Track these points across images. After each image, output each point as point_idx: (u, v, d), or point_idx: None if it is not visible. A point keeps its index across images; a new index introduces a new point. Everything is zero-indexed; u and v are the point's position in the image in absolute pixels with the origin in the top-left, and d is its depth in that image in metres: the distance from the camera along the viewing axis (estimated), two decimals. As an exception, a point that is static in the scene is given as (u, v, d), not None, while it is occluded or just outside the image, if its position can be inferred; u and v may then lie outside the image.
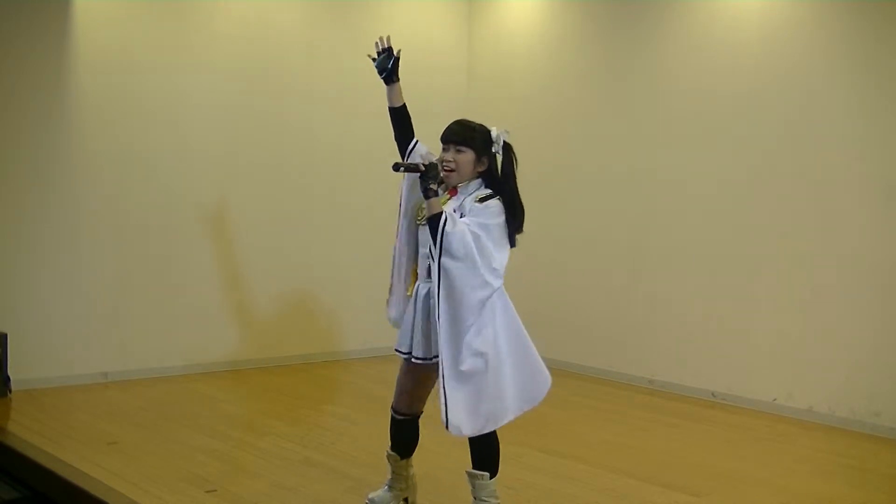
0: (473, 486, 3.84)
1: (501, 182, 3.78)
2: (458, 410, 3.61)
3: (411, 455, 4.11)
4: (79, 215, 6.42)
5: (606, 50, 7.11)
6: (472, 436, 3.74)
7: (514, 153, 3.83)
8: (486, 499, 3.83)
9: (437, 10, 7.96)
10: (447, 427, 3.63)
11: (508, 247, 3.74)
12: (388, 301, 4.07)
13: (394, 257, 4.03)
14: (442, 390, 3.62)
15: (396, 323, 4.01)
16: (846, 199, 5.76)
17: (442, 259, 3.59)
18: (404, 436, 4.04)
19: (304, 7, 7.34)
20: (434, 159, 3.78)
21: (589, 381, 6.92)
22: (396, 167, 3.73)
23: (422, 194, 3.65)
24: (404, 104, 4.01)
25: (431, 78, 7.82)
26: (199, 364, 6.88)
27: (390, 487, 4.10)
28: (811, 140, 5.90)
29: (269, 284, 7.20)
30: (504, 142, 3.79)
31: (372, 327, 7.51)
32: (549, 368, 3.90)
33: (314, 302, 7.43)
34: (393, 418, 4.06)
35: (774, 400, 6.07)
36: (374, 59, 3.96)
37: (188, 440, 5.14)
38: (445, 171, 3.75)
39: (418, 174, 3.67)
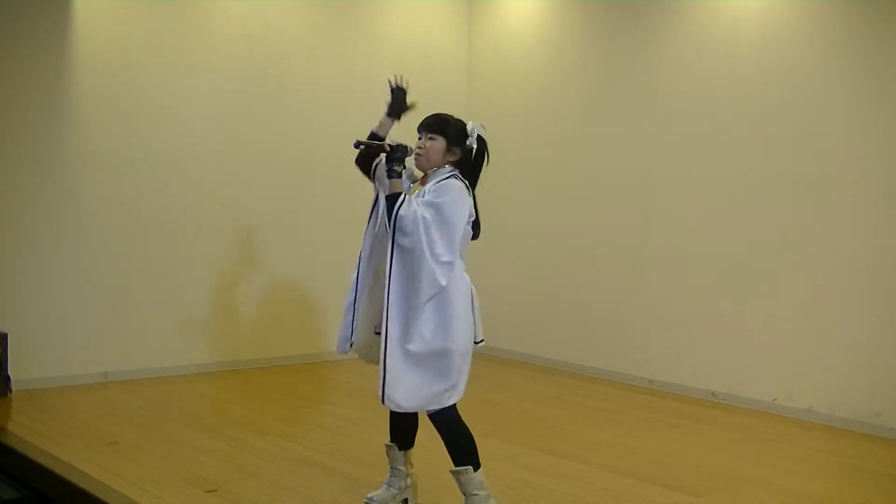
0: (460, 483, 3.86)
1: (473, 175, 3.88)
2: (398, 386, 3.69)
3: (410, 447, 4.12)
4: (79, 215, 6.42)
5: (606, 50, 7.11)
6: (411, 411, 3.83)
7: (487, 149, 3.90)
8: (475, 492, 3.83)
9: (437, 10, 7.96)
10: (383, 401, 3.73)
11: (459, 227, 3.72)
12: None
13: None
14: (382, 364, 3.70)
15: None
16: (846, 199, 5.75)
17: (395, 238, 3.68)
18: (400, 423, 4.05)
19: (304, 7, 7.34)
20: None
21: (589, 381, 6.91)
22: (358, 144, 3.78)
23: (385, 173, 3.74)
24: None
25: (431, 78, 7.82)
26: (199, 364, 6.88)
27: (389, 485, 4.11)
28: (811, 140, 5.90)
29: (269, 284, 7.20)
30: (478, 135, 3.86)
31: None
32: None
33: (314, 302, 7.43)
34: None
35: (774, 400, 6.07)
36: (393, 91, 3.99)
37: (188, 440, 5.14)
38: (416, 157, 3.85)
39: (384, 153, 3.75)
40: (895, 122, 5.55)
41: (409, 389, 3.72)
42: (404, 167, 3.79)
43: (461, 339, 3.76)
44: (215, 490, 4.31)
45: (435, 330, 3.70)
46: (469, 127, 3.87)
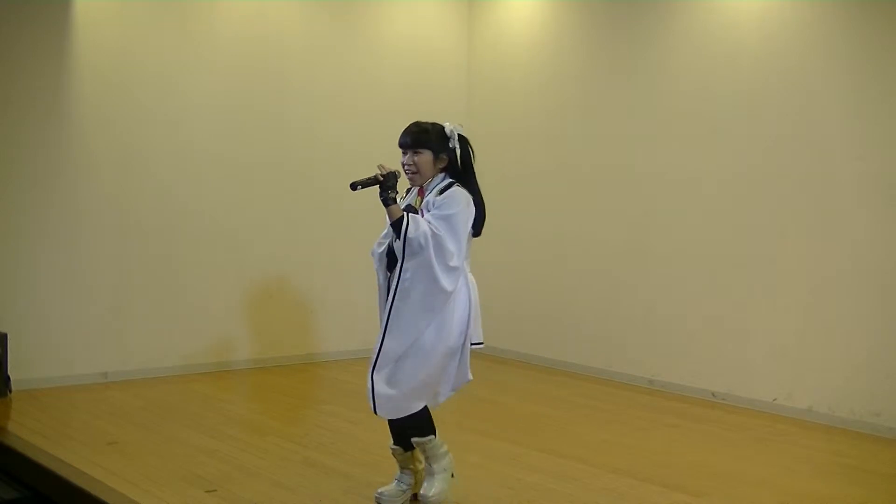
0: (425, 451, 4.04)
1: (464, 175, 3.99)
2: (388, 399, 3.91)
3: (415, 448, 4.15)
4: (79, 215, 6.43)
5: (606, 49, 7.11)
6: (397, 418, 4.00)
7: (470, 145, 4.02)
8: (442, 454, 4.03)
9: (437, 10, 7.96)
10: (375, 412, 3.94)
11: (468, 235, 3.92)
12: None
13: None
14: (370, 378, 3.90)
15: None
16: (846, 199, 5.75)
17: (405, 262, 3.84)
18: (400, 427, 4.10)
19: (304, 6, 7.34)
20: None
21: (589, 381, 6.91)
22: (354, 187, 3.88)
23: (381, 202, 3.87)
24: None
25: (431, 78, 7.82)
26: (199, 364, 6.88)
27: (399, 482, 4.16)
28: (811, 140, 5.90)
29: (269, 284, 7.20)
30: (458, 135, 3.97)
31: (372, 327, 7.50)
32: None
33: (314, 302, 7.43)
34: None
35: (774, 400, 6.07)
36: (382, 179, 3.87)
37: (188, 440, 5.14)
38: (409, 174, 3.96)
39: (378, 185, 3.86)
40: (895, 122, 5.55)
41: (401, 399, 3.93)
42: (397, 192, 3.91)
43: (450, 339, 3.91)
44: (215, 490, 4.31)
45: (442, 343, 3.90)
46: (448, 130, 3.96)
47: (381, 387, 3.89)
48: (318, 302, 7.45)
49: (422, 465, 4.19)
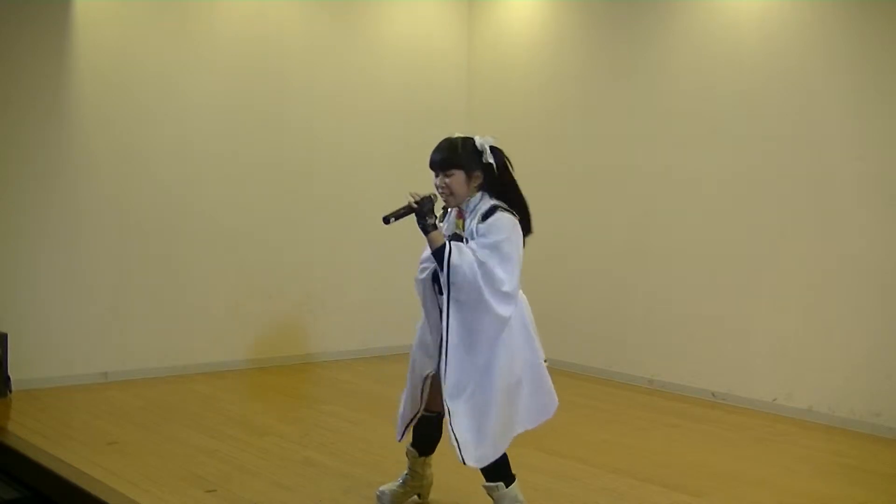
0: (494, 500, 3.82)
1: (503, 189, 3.75)
2: (469, 445, 3.65)
3: (430, 454, 4.10)
4: (79, 215, 6.43)
5: (606, 49, 7.11)
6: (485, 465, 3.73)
7: (505, 155, 3.79)
8: None
9: (437, 10, 7.96)
10: (464, 462, 3.66)
11: (519, 260, 3.65)
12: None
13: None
14: (451, 429, 3.64)
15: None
16: (846, 199, 5.75)
17: (451, 293, 3.59)
18: (426, 431, 4.01)
19: (304, 6, 7.34)
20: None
21: (589, 381, 6.91)
22: (387, 220, 3.65)
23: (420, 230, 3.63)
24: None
25: (431, 78, 7.81)
26: (199, 364, 6.88)
27: (404, 482, 4.11)
28: (811, 140, 5.90)
29: (270, 284, 7.20)
30: (491, 147, 3.74)
31: (372, 327, 7.53)
32: (550, 368, 3.94)
33: (314, 302, 7.43)
34: (423, 415, 4.02)
35: (774, 400, 6.07)
36: (416, 206, 3.67)
37: (188, 440, 5.14)
38: (443, 196, 3.73)
39: (413, 213, 3.65)
40: (895, 122, 5.55)
41: (478, 445, 3.66)
42: (437, 217, 3.70)
43: (513, 368, 3.70)
44: (215, 490, 4.31)
45: (499, 375, 3.66)
46: (478, 144, 3.72)
47: (464, 435, 3.64)
48: (318, 302, 7.45)
49: (430, 471, 4.15)
